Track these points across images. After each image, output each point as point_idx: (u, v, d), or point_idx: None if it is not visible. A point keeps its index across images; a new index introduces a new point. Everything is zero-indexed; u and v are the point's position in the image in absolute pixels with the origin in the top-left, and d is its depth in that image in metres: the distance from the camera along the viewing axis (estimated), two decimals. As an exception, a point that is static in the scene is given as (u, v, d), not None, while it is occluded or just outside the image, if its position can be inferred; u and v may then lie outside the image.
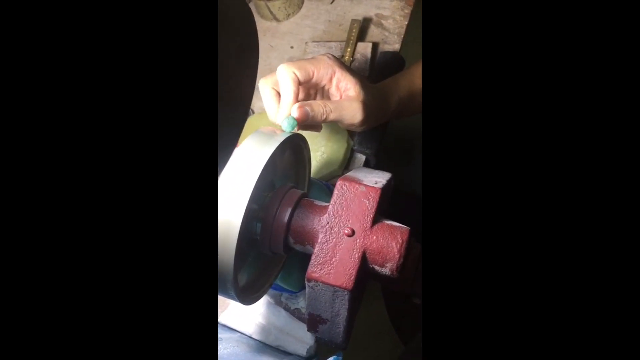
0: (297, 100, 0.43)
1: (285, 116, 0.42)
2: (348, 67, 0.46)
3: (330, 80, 0.45)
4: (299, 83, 0.43)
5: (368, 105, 0.46)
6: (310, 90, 0.48)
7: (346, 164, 0.59)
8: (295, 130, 0.42)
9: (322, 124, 0.48)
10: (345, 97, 0.46)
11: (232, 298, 0.38)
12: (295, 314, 0.51)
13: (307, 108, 0.42)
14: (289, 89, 0.43)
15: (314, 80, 0.45)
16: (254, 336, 0.50)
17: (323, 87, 0.47)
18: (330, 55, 0.46)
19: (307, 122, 0.43)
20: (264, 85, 0.45)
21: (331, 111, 0.44)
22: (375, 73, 0.64)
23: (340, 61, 0.46)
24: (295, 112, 0.42)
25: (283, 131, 0.41)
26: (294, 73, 0.43)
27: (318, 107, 0.43)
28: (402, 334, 0.97)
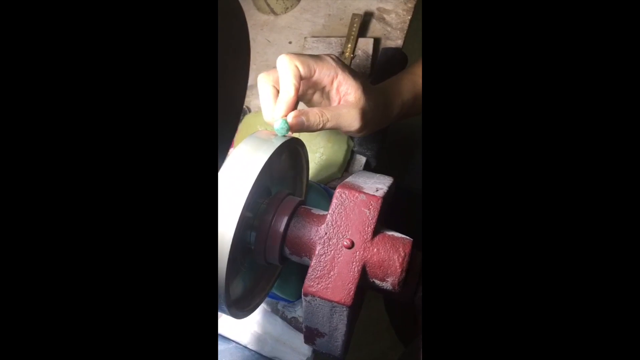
0: (297, 97, 0.41)
1: (281, 117, 0.40)
2: (351, 70, 0.44)
3: (332, 82, 0.43)
4: (301, 78, 0.41)
5: (367, 112, 0.44)
6: (308, 89, 0.45)
7: (346, 166, 0.57)
8: (288, 135, 0.40)
9: None
10: (344, 102, 0.43)
11: (224, 312, 0.36)
12: (292, 323, 0.49)
13: (303, 118, 0.40)
14: (289, 84, 0.40)
15: (314, 78, 0.42)
16: (249, 346, 0.48)
17: (323, 89, 0.44)
18: (334, 56, 0.44)
19: (302, 131, 0.41)
20: (263, 83, 0.42)
21: (328, 120, 0.42)
22: (376, 70, 0.62)
23: (343, 63, 0.44)
24: (290, 120, 0.39)
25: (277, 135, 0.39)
26: (296, 66, 0.40)
27: (314, 116, 0.41)
28: (401, 333, 0.96)
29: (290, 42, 0.69)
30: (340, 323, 0.36)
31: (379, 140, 0.58)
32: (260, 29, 0.71)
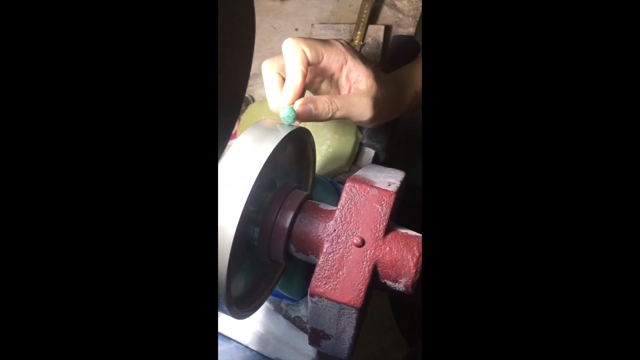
0: (305, 84, 0.38)
1: (287, 104, 0.37)
2: (362, 56, 0.41)
3: (341, 69, 0.40)
4: (308, 64, 0.38)
5: (379, 101, 0.41)
6: (316, 77, 0.43)
7: (354, 159, 0.55)
8: (295, 124, 0.37)
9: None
10: (355, 90, 0.41)
11: (224, 312, 0.34)
12: (296, 322, 0.47)
13: (311, 105, 0.37)
14: (296, 70, 0.37)
15: (322, 64, 0.40)
16: (250, 346, 0.46)
17: (331, 76, 0.42)
18: (343, 42, 0.41)
19: (309, 120, 0.38)
20: (268, 70, 0.40)
21: (337, 109, 0.39)
22: (387, 59, 0.59)
23: (353, 49, 0.41)
24: (296, 107, 0.37)
25: (284, 124, 0.36)
26: (303, 51, 0.38)
27: (323, 104, 0.38)
28: (407, 332, 0.94)
29: (296, 29, 0.66)
30: (348, 325, 0.34)
31: (389, 132, 0.55)
32: (266, 15, 0.68)
